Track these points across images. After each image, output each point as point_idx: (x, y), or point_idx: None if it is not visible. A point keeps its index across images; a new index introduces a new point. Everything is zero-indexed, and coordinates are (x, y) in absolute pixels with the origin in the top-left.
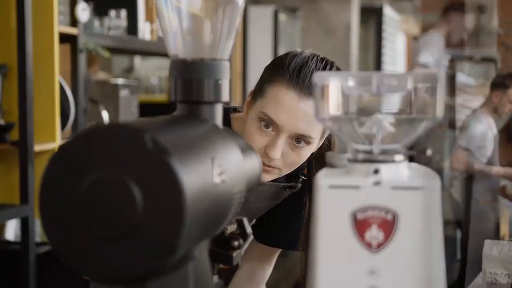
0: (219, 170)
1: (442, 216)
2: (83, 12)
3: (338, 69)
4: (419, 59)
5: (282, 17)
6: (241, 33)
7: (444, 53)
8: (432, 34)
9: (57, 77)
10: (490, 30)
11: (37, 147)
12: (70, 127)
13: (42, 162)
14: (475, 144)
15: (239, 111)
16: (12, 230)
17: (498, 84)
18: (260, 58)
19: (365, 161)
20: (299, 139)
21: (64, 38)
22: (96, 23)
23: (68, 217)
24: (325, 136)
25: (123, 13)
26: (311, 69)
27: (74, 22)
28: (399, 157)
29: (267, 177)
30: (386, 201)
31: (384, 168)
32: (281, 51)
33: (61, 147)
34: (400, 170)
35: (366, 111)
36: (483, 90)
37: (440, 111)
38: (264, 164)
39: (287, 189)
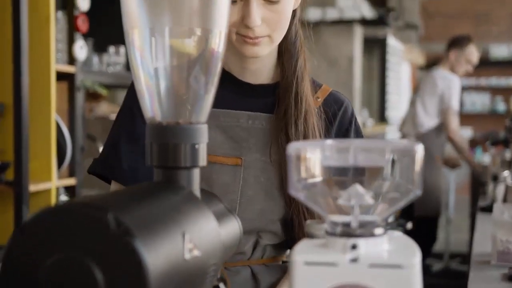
0: (191, 245)
1: None
2: (81, 50)
3: None
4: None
5: None
6: None
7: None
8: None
9: (54, 116)
10: None
11: (33, 187)
12: (67, 166)
13: (38, 202)
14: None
15: None
16: None
17: (454, 44)
18: None
19: (343, 235)
20: None
21: (62, 76)
22: (95, 59)
23: None
24: None
25: (122, 49)
26: None
27: (72, 60)
28: (378, 231)
29: (260, 50)
30: (364, 279)
31: (362, 243)
32: None
33: (23, 226)
34: (379, 245)
35: (343, 182)
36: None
37: (419, 185)
38: (249, 37)
39: None
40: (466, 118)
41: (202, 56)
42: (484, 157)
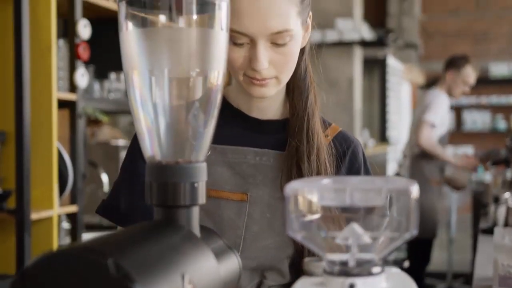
0: (190, 286)
1: None
2: (82, 78)
3: None
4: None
5: None
6: None
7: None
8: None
9: (55, 144)
10: (412, 16)
11: (35, 215)
12: (69, 194)
13: (40, 230)
14: (438, 120)
15: None
16: None
17: (451, 65)
18: None
19: (340, 274)
20: (279, 37)
21: (63, 103)
22: (96, 86)
23: None
24: (308, 20)
25: (123, 76)
26: None
27: (73, 87)
28: (376, 269)
29: (268, 91)
30: None
31: (360, 282)
32: None
33: (24, 272)
34: (377, 284)
35: (341, 221)
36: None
37: (415, 225)
38: (256, 79)
39: None
40: (467, 136)
41: (201, 96)
42: (486, 176)
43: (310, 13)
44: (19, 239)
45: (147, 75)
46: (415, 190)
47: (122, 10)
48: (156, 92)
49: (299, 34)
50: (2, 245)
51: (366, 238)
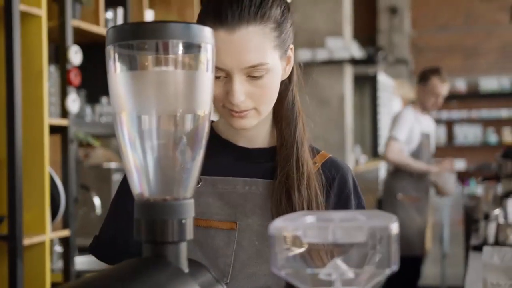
0: None
1: None
2: (74, 103)
3: None
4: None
5: None
6: None
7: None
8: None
9: (47, 169)
10: (402, 32)
11: (27, 241)
12: (61, 218)
13: (32, 255)
14: (404, 135)
15: None
16: None
17: (420, 79)
18: None
19: None
20: (254, 71)
21: (55, 128)
22: (88, 110)
23: None
24: (289, 52)
25: None
26: None
27: (64, 112)
28: None
29: (248, 122)
30: None
31: None
32: None
33: None
34: None
35: (324, 257)
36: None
37: (396, 261)
38: (235, 111)
39: None
40: (458, 150)
41: (188, 134)
42: (478, 189)
43: (292, 46)
44: (11, 265)
45: (135, 115)
46: (394, 227)
47: (111, 53)
48: (144, 132)
49: (277, 66)
50: None
51: (350, 273)
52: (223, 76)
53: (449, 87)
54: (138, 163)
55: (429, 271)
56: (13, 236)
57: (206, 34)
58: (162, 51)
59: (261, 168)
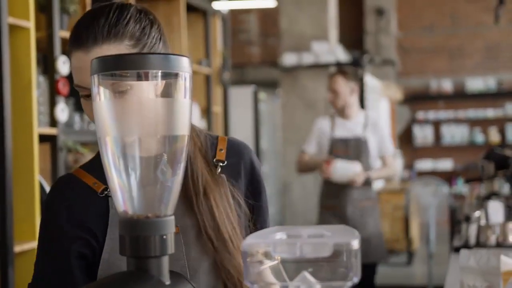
0: None
1: None
2: (62, 112)
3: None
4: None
5: (262, 95)
6: (222, 113)
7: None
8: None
9: (37, 177)
10: (389, 33)
11: (17, 248)
12: None
13: (23, 262)
14: (313, 147)
15: None
16: None
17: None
18: (242, 137)
19: None
20: (117, 87)
21: (44, 137)
22: (77, 118)
23: None
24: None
25: None
26: (95, 14)
27: (53, 122)
28: None
29: None
30: None
31: None
32: (262, 128)
33: None
34: None
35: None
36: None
37: (358, 275)
38: None
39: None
40: (445, 150)
41: (168, 156)
42: (464, 189)
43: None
44: (3, 273)
45: (119, 139)
46: (356, 243)
47: (95, 82)
48: (127, 154)
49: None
50: None
51: (317, 285)
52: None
53: (354, 89)
54: (121, 183)
55: (416, 270)
56: (4, 244)
57: (183, 64)
58: (143, 80)
59: None
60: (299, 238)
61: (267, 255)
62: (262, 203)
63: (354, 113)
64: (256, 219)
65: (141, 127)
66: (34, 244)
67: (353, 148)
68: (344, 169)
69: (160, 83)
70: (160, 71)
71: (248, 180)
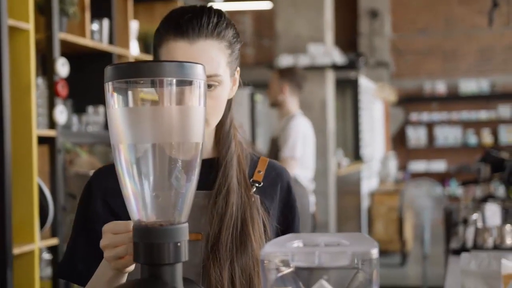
0: None
1: None
2: (61, 114)
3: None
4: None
5: (258, 98)
6: None
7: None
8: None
9: (36, 179)
10: (383, 36)
11: (16, 250)
12: (49, 227)
13: (21, 264)
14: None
15: None
16: None
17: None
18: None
19: None
20: (209, 81)
21: (43, 139)
22: (75, 119)
23: None
24: (236, 74)
25: (101, 109)
26: (195, 11)
27: (52, 124)
28: None
29: None
30: None
31: None
32: (259, 131)
33: None
34: None
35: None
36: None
37: (377, 283)
38: None
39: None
40: (439, 151)
41: (182, 163)
42: (458, 190)
43: (238, 69)
44: (1, 275)
45: (132, 147)
46: (375, 252)
47: (109, 89)
48: (141, 162)
49: (228, 82)
50: None
51: None
52: None
53: (283, 89)
54: (136, 191)
55: (411, 271)
56: (3, 246)
57: (198, 71)
58: (157, 88)
59: (204, 179)
60: (316, 246)
61: (285, 263)
62: (294, 229)
63: (285, 113)
64: None
65: (154, 134)
66: (32, 246)
67: (272, 147)
68: None
69: (175, 91)
70: (174, 78)
71: (284, 204)
